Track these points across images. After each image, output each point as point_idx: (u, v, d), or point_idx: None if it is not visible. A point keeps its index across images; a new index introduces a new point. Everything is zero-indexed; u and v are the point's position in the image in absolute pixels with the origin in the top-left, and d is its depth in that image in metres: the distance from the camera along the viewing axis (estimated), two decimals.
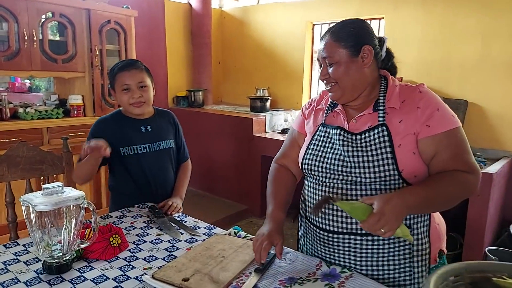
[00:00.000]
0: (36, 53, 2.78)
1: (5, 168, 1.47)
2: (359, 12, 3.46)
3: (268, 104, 3.90)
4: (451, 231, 2.56)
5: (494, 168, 2.40)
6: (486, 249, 2.39)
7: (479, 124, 2.91)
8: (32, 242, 1.23)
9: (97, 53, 3.11)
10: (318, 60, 1.18)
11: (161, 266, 1.09)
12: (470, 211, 2.36)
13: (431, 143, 1.07)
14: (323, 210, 1.07)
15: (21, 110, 2.89)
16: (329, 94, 1.18)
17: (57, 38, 3.02)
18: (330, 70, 1.13)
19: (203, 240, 1.27)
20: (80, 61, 3.04)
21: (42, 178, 1.64)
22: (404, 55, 3.10)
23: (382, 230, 0.91)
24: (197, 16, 4.25)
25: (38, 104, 3.18)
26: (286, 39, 4.11)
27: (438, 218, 1.21)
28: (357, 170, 1.09)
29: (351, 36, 1.11)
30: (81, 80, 3.12)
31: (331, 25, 1.20)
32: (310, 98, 4.11)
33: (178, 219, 1.47)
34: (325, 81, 1.17)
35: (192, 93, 4.17)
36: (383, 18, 3.37)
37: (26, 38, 2.71)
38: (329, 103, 1.26)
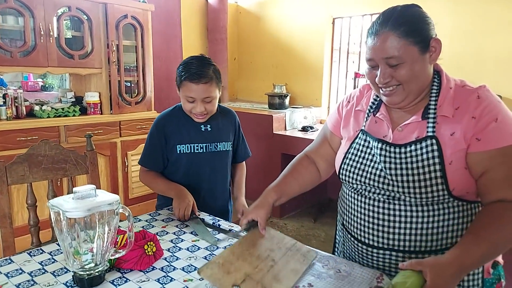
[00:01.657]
0: (53, 48, 2.69)
1: (27, 168, 1.37)
2: (383, 5, 3.28)
3: (287, 101, 3.78)
4: None
5: None
6: None
7: None
8: (58, 250, 1.13)
9: (114, 48, 3.02)
10: (370, 60, 0.98)
11: (201, 278, 0.98)
12: None
13: (480, 160, 0.92)
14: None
15: (37, 108, 2.80)
16: (386, 98, 1.00)
17: (74, 33, 2.93)
18: (392, 71, 0.95)
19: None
20: (97, 57, 2.95)
21: (51, 180, 1.53)
22: None
23: None
24: (213, 11, 4.14)
25: (53, 102, 3.10)
26: (305, 34, 3.97)
27: None
28: (400, 189, 0.97)
29: (419, 29, 0.93)
30: (98, 77, 3.03)
31: (376, 15, 1.00)
32: (329, 94, 4.03)
33: (210, 222, 1.36)
34: (383, 85, 0.98)
35: None
36: None
37: (42, 33, 2.62)
38: (370, 103, 1.11)
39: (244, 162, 1.73)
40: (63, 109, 2.86)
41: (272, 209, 1.14)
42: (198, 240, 1.22)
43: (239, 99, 4.69)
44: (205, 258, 1.10)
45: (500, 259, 1.07)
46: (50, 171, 1.43)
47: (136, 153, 3.19)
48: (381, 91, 1.01)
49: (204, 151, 1.52)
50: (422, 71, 0.95)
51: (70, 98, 3.08)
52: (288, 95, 3.80)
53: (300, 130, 3.52)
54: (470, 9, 2.87)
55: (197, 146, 1.52)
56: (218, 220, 1.39)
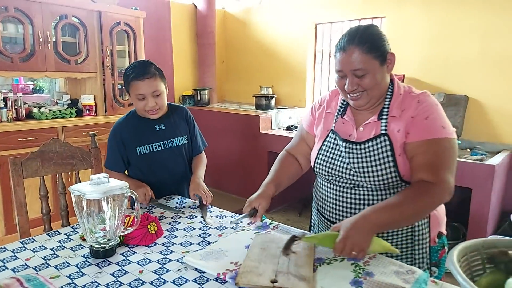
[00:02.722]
0: (50, 54, 2.86)
1: (39, 163, 1.55)
2: (362, 12, 3.55)
3: (273, 102, 4.00)
4: (454, 221, 2.67)
5: (495, 160, 2.51)
6: (489, 238, 2.50)
7: (479, 118, 3.02)
8: (72, 231, 1.32)
9: (108, 54, 3.19)
10: (339, 71, 1.17)
11: (197, 250, 1.18)
12: (473, 202, 2.46)
13: (410, 148, 1.15)
14: (292, 249, 1.13)
15: (35, 110, 2.96)
16: (353, 102, 1.20)
17: (70, 39, 3.09)
18: (359, 81, 1.14)
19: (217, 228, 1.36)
20: (92, 62, 3.12)
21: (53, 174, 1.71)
22: (406, 53, 3.20)
23: (354, 252, 1.01)
24: (201, 17, 4.33)
25: (50, 105, 3.25)
26: (289, 39, 4.19)
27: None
28: (362, 179, 1.19)
29: (379, 46, 1.14)
30: (93, 80, 3.20)
31: (344, 32, 1.18)
32: (313, 95, 4.26)
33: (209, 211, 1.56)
34: (351, 92, 1.17)
35: (198, 92, 4.26)
36: (384, 17, 3.48)
37: (40, 39, 2.78)
38: (338, 107, 1.31)
39: (203, 152, 1.87)
40: (60, 111, 3.02)
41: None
42: (193, 222, 1.42)
43: (227, 100, 4.89)
44: (199, 236, 1.30)
45: (443, 230, 1.30)
46: (60, 166, 1.61)
47: None
48: (348, 96, 1.21)
49: (162, 148, 1.68)
50: (382, 79, 1.17)
51: (66, 100, 3.24)
52: (274, 96, 4.02)
53: (285, 130, 3.75)
54: (439, 17, 3.12)
55: (155, 145, 1.67)
56: (211, 207, 1.59)
